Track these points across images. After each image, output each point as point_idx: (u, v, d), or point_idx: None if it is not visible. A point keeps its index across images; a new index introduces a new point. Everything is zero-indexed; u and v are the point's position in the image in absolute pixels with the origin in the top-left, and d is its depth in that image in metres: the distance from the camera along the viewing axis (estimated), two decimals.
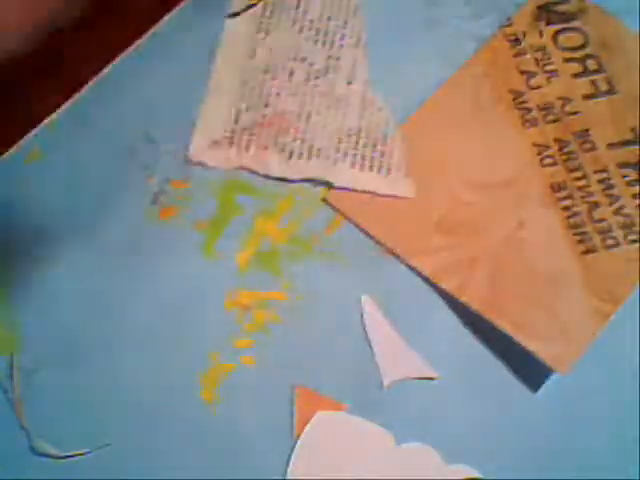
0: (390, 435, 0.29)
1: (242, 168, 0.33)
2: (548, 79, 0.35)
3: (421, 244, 0.32)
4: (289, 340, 0.31)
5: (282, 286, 0.31)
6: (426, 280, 0.31)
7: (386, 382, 0.30)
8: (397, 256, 0.32)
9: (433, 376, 0.30)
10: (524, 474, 0.29)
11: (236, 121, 0.34)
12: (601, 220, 0.32)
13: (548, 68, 0.35)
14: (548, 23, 0.36)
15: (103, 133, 0.33)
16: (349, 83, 0.34)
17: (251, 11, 0.36)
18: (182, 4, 0.35)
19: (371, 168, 0.33)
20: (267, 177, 0.33)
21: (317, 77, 0.35)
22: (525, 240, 0.32)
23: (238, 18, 0.36)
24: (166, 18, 0.35)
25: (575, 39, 0.36)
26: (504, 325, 0.30)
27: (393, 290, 0.31)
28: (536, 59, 0.35)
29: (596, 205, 0.32)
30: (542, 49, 0.35)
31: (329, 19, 0.36)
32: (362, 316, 0.31)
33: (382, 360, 0.30)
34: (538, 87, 0.35)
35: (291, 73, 0.35)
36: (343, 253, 0.32)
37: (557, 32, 0.36)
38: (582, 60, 0.35)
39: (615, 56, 0.35)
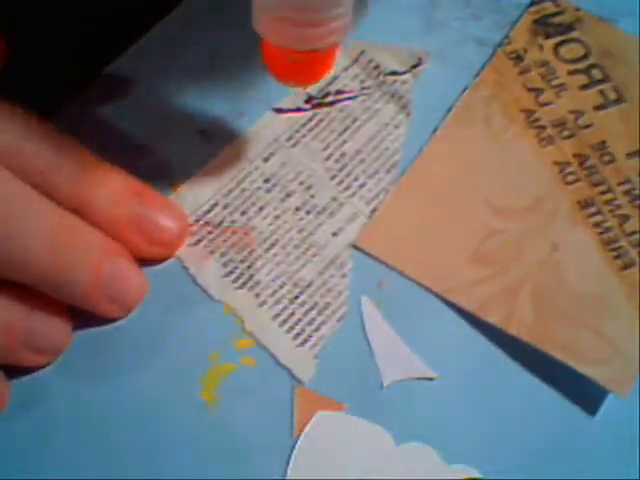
0: (390, 435, 0.29)
1: (176, 257, 0.31)
2: (557, 94, 0.34)
3: (460, 279, 0.31)
4: None
5: None
6: (469, 316, 0.31)
7: (386, 382, 0.30)
8: (436, 293, 0.31)
9: (433, 376, 0.30)
10: (524, 474, 0.28)
11: (208, 212, 0.32)
12: (633, 233, 0.32)
13: (555, 83, 0.35)
14: (547, 37, 0.36)
15: None
16: (334, 234, 0.32)
17: (297, 114, 0.33)
18: None
19: (290, 330, 0.30)
20: (193, 280, 0.31)
21: (309, 212, 0.32)
22: (561, 262, 0.31)
23: (279, 116, 0.33)
24: None
25: (576, 50, 0.35)
26: (555, 352, 0.30)
27: (393, 290, 0.31)
28: (541, 75, 0.35)
29: (626, 218, 0.32)
30: (545, 64, 0.35)
31: (361, 162, 0.33)
32: (362, 316, 0.30)
33: (382, 360, 0.30)
34: (548, 103, 0.34)
35: (288, 195, 0.32)
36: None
37: (557, 45, 0.35)
38: (587, 71, 0.35)
39: (618, 63, 0.35)
